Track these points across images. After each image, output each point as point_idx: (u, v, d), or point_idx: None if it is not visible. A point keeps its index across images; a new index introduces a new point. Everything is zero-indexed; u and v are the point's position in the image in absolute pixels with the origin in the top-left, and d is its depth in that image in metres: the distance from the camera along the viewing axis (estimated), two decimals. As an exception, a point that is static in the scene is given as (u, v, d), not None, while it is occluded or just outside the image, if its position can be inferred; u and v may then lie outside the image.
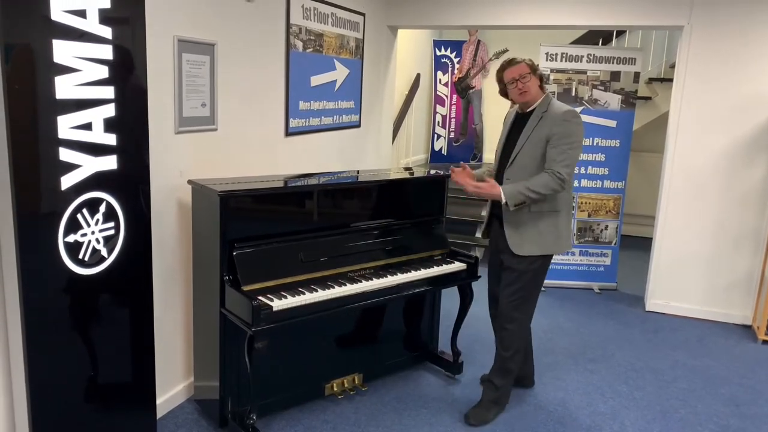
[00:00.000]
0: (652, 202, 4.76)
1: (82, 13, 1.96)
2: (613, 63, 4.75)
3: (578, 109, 4.77)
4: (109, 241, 2.18)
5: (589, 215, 4.94)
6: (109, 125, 2.11)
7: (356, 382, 3.14)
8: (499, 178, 2.86)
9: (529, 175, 2.73)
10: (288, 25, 3.55)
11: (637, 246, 5.95)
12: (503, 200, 2.70)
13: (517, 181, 2.74)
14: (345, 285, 2.73)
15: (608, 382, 3.42)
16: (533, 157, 2.74)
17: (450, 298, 3.51)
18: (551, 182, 2.66)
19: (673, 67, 5.20)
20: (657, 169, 4.74)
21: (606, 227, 4.95)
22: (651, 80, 6.09)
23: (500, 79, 2.87)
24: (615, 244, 4.98)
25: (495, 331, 3.06)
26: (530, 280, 2.84)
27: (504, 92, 2.89)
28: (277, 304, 2.48)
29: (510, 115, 2.99)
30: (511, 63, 2.84)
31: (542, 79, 2.84)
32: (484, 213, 3.08)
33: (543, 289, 4.89)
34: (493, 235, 2.99)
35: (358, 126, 4.68)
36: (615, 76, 4.76)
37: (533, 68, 2.80)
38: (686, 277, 4.44)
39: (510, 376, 2.98)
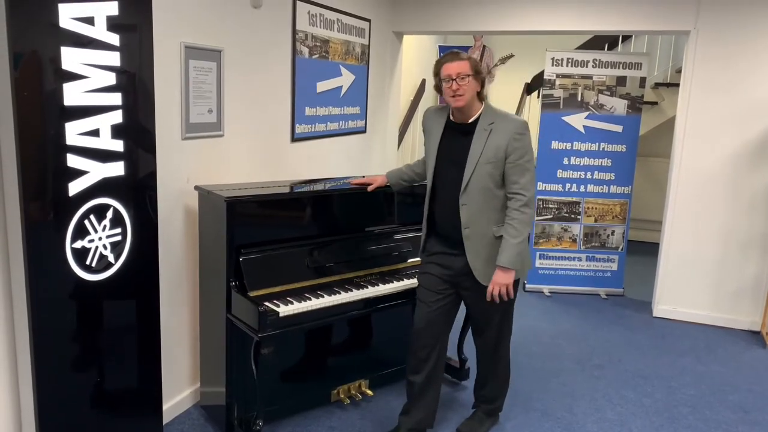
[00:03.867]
0: (659, 207, 4.74)
1: (90, 21, 1.98)
2: (619, 68, 4.74)
3: (584, 114, 4.78)
4: (116, 247, 2.19)
5: (596, 220, 4.93)
6: (117, 131, 2.12)
7: (362, 388, 3.13)
8: (444, 199, 2.55)
9: (492, 198, 2.47)
10: (294, 32, 3.57)
11: (644, 251, 5.92)
12: (512, 268, 2.44)
13: (481, 220, 2.48)
14: (351, 291, 2.73)
15: (615, 389, 3.40)
16: (493, 178, 2.45)
17: (456, 304, 3.50)
18: (523, 216, 2.42)
19: (679, 71, 5.18)
20: (664, 174, 4.73)
21: (613, 232, 4.94)
22: (657, 85, 6.07)
23: (436, 73, 2.51)
24: (622, 249, 4.95)
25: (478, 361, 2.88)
26: (509, 306, 2.68)
27: (438, 88, 2.54)
28: (284, 309, 2.47)
29: (434, 120, 2.64)
30: (453, 57, 2.48)
31: (483, 86, 2.53)
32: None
33: (548, 294, 4.90)
34: (439, 257, 2.64)
35: (364, 131, 4.69)
36: (621, 81, 4.75)
37: (476, 70, 2.46)
38: (694, 282, 4.42)
39: (500, 400, 2.94)
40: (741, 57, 4.12)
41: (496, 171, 2.45)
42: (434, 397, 2.76)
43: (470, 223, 2.50)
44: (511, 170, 2.44)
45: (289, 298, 2.57)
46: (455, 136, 2.55)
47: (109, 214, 2.14)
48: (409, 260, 3.09)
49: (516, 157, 2.43)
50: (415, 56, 7.01)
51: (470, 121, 2.52)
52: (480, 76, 2.50)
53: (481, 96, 2.53)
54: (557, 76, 4.77)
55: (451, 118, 2.58)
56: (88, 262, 2.09)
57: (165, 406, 2.72)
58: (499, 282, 2.47)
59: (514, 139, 2.43)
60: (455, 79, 2.43)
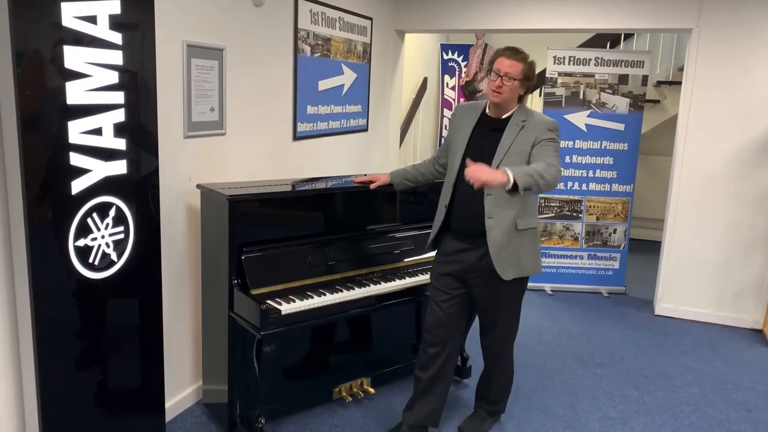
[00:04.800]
0: (661, 205, 4.74)
1: (92, 19, 1.98)
2: (621, 66, 4.73)
3: (586, 113, 4.77)
4: (119, 245, 2.19)
5: (598, 219, 4.92)
6: (119, 130, 2.12)
7: (364, 386, 3.14)
8: (468, 191, 2.41)
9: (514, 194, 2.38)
10: (296, 30, 3.57)
11: (646, 249, 5.91)
12: (510, 181, 2.19)
13: (505, 210, 2.45)
14: (353, 289, 2.73)
15: (618, 387, 3.40)
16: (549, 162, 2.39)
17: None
18: (556, 172, 2.31)
19: (681, 70, 5.17)
20: (666, 172, 4.72)
21: (615, 231, 4.93)
22: (659, 83, 6.06)
23: (492, 60, 2.52)
24: (624, 247, 4.95)
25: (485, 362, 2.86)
26: (517, 304, 2.67)
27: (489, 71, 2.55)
28: (286, 307, 2.48)
29: (467, 114, 2.63)
30: (511, 54, 2.47)
31: (528, 92, 2.54)
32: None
33: (550, 292, 4.90)
34: (451, 255, 2.61)
35: (366, 130, 4.69)
36: (623, 79, 4.74)
37: (527, 76, 2.47)
38: (696, 280, 4.41)
39: (504, 398, 2.92)
40: (743, 55, 4.11)
41: (524, 161, 2.43)
42: (440, 396, 2.75)
43: (494, 213, 2.46)
44: (542, 149, 2.41)
45: (291, 296, 2.57)
46: (486, 132, 2.54)
47: (112, 212, 2.15)
48: (411, 258, 3.09)
49: (546, 142, 2.42)
50: (417, 55, 7.00)
51: (504, 117, 2.53)
52: (528, 82, 2.50)
53: (521, 99, 2.55)
54: (559, 74, 4.77)
55: (487, 111, 2.58)
56: (90, 261, 2.09)
57: (167, 404, 2.73)
58: (485, 170, 2.22)
59: (546, 132, 2.45)
60: (502, 76, 2.44)
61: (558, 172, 2.35)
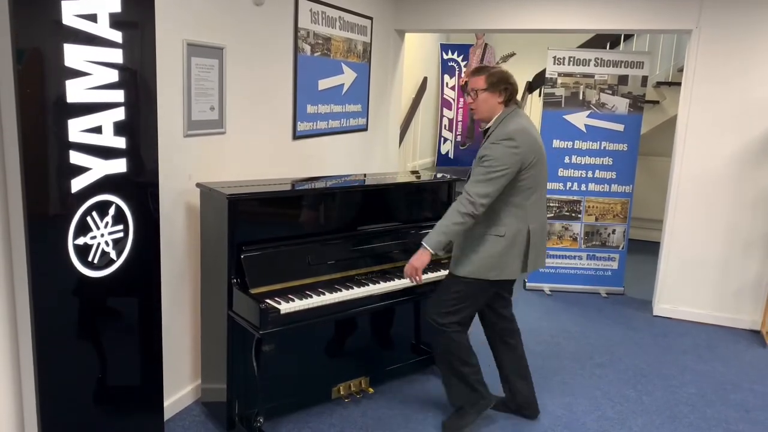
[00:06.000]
0: (660, 206, 4.74)
1: (93, 18, 1.98)
2: (620, 67, 4.74)
3: (585, 113, 4.77)
4: (118, 244, 2.19)
5: (597, 219, 4.93)
6: (119, 128, 2.12)
7: (363, 386, 3.14)
8: None
9: None
10: (296, 29, 3.57)
11: (644, 250, 5.92)
12: (430, 251, 2.60)
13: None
14: (352, 288, 2.74)
15: (616, 387, 3.41)
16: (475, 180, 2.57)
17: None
18: (459, 205, 2.53)
19: (681, 70, 5.17)
20: (665, 173, 4.72)
21: (613, 231, 4.94)
22: (659, 84, 6.07)
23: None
24: (622, 248, 4.96)
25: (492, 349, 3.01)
26: (460, 297, 2.70)
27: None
28: (285, 307, 2.48)
29: None
30: (474, 72, 2.69)
31: (506, 94, 2.63)
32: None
33: (549, 293, 4.91)
34: None
35: (366, 129, 4.69)
36: (623, 79, 4.74)
37: (492, 83, 2.61)
38: (695, 281, 4.42)
39: (464, 389, 2.81)
40: (743, 56, 4.12)
41: None
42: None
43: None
44: (474, 169, 2.58)
45: (290, 296, 2.58)
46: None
47: (112, 210, 2.15)
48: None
49: (482, 159, 2.54)
50: (417, 54, 7.00)
51: (486, 127, 2.69)
52: (498, 86, 2.61)
53: (504, 103, 2.64)
54: (559, 74, 4.77)
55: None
56: (90, 259, 2.10)
57: (166, 403, 2.73)
58: (411, 259, 2.66)
59: (486, 147, 2.57)
60: (469, 93, 2.66)
61: (480, 197, 2.50)
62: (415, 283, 2.75)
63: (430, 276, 2.96)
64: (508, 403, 3.03)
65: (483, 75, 2.65)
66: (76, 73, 1.96)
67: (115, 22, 2.05)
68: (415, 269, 2.65)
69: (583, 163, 4.84)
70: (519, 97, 6.69)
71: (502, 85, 2.62)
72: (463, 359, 2.76)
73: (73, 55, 1.94)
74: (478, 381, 2.81)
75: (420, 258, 2.64)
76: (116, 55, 2.07)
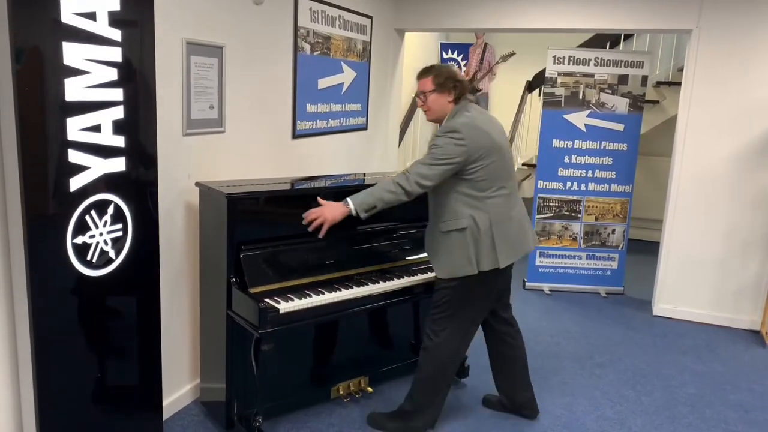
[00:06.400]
0: (660, 206, 4.74)
1: (91, 16, 1.97)
2: (620, 66, 4.73)
3: (585, 113, 4.77)
4: (117, 243, 2.19)
5: (596, 219, 4.92)
6: (118, 127, 2.11)
7: (362, 385, 3.14)
8: None
9: (435, 195, 2.64)
10: (296, 28, 3.56)
11: (644, 250, 5.91)
12: (352, 209, 2.55)
13: (432, 217, 2.68)
14: (351, 288, 2.73)
15: (615, 387, 3.40)
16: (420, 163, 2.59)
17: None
18: (398, 177, 2.53)
19: (681, 70, 5.17)
20: (665, 172, 4.72)
21: (613, 231, 4.93)
22: (659, 84, 6.06)
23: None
24: (622, 248, 4.95)
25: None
26: (445, 302, 2.65)
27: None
28: (284, 306, 2.47)
29: None
30: (421, 73, 2.66)
31: (455, 91, 2.61)
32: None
33: (548, 292, 4.90)
34: None
35: (365, 129, 4.69)
36: (623, 79, 4.74)
37: (439, 82, 2.59)
38: (694, 281, 4.41)
39: (418, 401, 2.75)
40: (743, 56, 4.11)
41: None
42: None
43: (430, 219, 2.73)
44: (424, 157, 2.58)
45: (289, 295, 2.57)
46: None
47: (110, 209, 2.14)
48: (410, 257, 3.09)
49: (428, 149, 2.56)
50: (417, 54, 7.00)
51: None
52: (446, 85, 2.60)
53: (456, 101, 2.63)
54: (559, 74, 4.76)
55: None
56: (88, 258, 2.09)
57: (165, 402, 2.72)
58: (323, 208, 2.61)
59: (434, 138, 2.58)
60: (419, 96, 2.67)
61: (418, 176, 2.51)
62: (310, 230, 2.63)
63: (429, 276, 2.94)
64: (506, 404, 3.02)
65: (429, 76, 2.62)
66: (75, 72, 1.95)
67: (114, 20, 2.04)
68: (324, 218, 2.59)
69: (582, 162, 4.83)
70: (519, 96, 6.70)
71: (450, 83, 2.61)
72: (446, 377, 2.76)
73: (72, 53, 1.93)
74: (438, 406, 2.80)
75: (335, 208, 2.59)
76: (115, 54, 2.07)
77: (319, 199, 2.67)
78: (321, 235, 2.62)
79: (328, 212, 2.60)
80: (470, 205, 2.57)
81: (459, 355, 2.78)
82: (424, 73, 2.67)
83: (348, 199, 2.59)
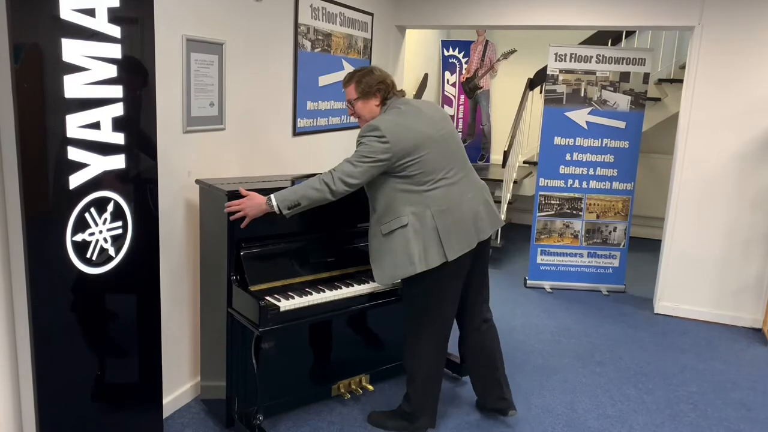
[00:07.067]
0: (662, 203, 4.73)
1: (91, 12, 1.96)
2: (622, 64, 4.72)
3: (587, 110, 4.75)
4: (117, 241, 2.18)
5: (598, 217, 4.91)
6: (118, 124, 2.11)
7: (363, 383, 3.13)
8: None
9: (370, 198, 2.62)
10: (296, 25, 3.55)
11: (646, 248, 5.91)
12: (274, 205, 2.47)
13: (371, 219, 2.63)
14: (352, 285, 2.73)
15: (617, 385, 3.40)
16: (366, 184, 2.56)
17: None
18: (324, 175, 2.48)
19: (683, 68, 5.16)
20: (666, 170, 4.71)
21: (615, 229, 4.92)
22: (661, 81, 6.05)
23: None
24: (623, 245, 4.94)
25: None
26: (409, 302, 2.65)
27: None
28: (284, 304, 2.47)
29: None
30: (344, 82, 2.67)
31: (381, 94, 2.60)
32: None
33: (550, 290, 4.90)
34: None
35: (366, 126, 4.67)
36: (624, 76, 4.72)
37: (363, 90, 2.59)
38: (696, 279, 4.41)
39: (414, 402, 2.74)
40: (746, 53, 4.10)
41: None
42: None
43: (370, 224, 2.68)
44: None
45: (289, 293, 2.57)
46: None
47: (110, 207, 2.13)
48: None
49: (356, 145, 2.54)
50: (418, 51, 6.98)
51: None
52: (370, 91, 2.60)
53: (383, 103, 2.62)
54: (560, 71, 4.75)
55: None
56: (88, 256, 2.08)
57: (165, 400, 2.72)
58: (245, 200, 2.52)
59: (359, 137, 2.54)
60: (348, 105, 2.69)
61: (343, 174, 2.46)
62: (230, 219, 2.54)
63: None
64: (482, 402, 2.98)
65: (351, 84, 2.63)
66: (74, 69, 1.94)
67: (114, 17, 2.03)
68: (246, 213, 2.51)
69: (584, 160, 4.82)
70: (520, 94, 6.67)
71: (374, 87, 2.60)
72: (435, 376, 2.74)
73: (71, 50, 1.92)
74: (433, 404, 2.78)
75: (258, 204, 2.50)
76: (115, 51, 2.06)
77: (241, 190, 2.55)
78: (243, 225, 2.55)
79: (250, 208, 2.51)
80: (410, 201, 2.51)
81: (438, 353, 2.73)
82: (347, 81, 2.66)
83: (271, 195, 2.50)
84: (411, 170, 2.50)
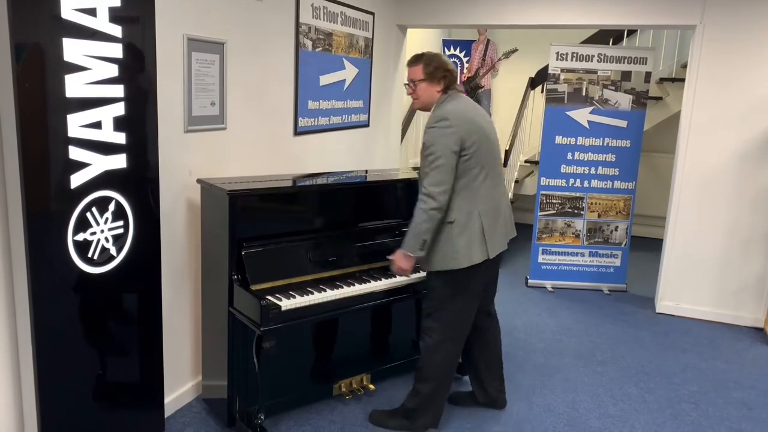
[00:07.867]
0: (663, 203, 4.72)
1: (92, 12, 1.97)
2: (624, 63, 4.71)
3: (588, 109, 4.75)
4: (118, 240, 2.18)
5: (599, 216, 4.91)
6: (119, 124, 2.11)
7: (364, 382, 3.13)
8: None
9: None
10: (297, 24, 3.55)
11: (647, 247, 5.90)
12: (411, 254, 2.54)
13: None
14: (353, 285, 2.72)
15: (618, 385, 3.39)
16: (423, 170, 2.56)
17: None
18: (421, 203, 2.48)
19: (684, 66, 5.15)
20: (668, 169, 4.70)
21: (616, 228, 4.92)
22: (662, 80, 6.04)
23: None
24: (625, 245, 4.94)
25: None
26: (436, 297, 2.65)
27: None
28: (286, 303, 2.47)
29: None
30: (411, 61, 2.67)
31: (445, 81, 2.61)
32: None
33: (551, 289, 4.89)
34: None
35: (367, 125, 4.67)
36: (626, 75, 4.72)
37: (429, 72, 2.59)
38: (697, 278, 4.40)
39: (419, 400, 2.73)
40: (747, 52, 4.09)
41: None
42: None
43: None
44: (422, 162, 2.55)
45: (291, 292, 2.57)
46: None
47: (111, 206, 2.14)
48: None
49: (424, 149, 2.53)
50: (419, 50, 6.96)
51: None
52: (435, 75, 2.59)
53: (445, 90, 2.62)
54: (562, 70, 4.74)
55: None
56: (90, 255, 2.09)
57: (167, 399, 2.72)
58: (396, 260, 2.61)
59: (425, 132, 2.55)
60: (408, 84, 2.66)
61: (432, 186, 2.45)
62: (407, 278, 2.75)
63: (424, 274, 2.92)
64: (477, 397, 3.01)
65: (420, 64, 2.62)
66: (76, 68, 1.95)
67: (115, 16, 2.04)
68: (402, 270, 2.63)
69: (585, 159, 4.82)
70: (521, 93, 6.68)
71: (441, 72, 2.60)
72: (446, 375, 2.74)
73: (73, 49, 1.93)
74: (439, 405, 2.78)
75: (403, 260, 2.59)
76: (116, 50, 2.06)
77: (388, 258, 2.67)
78: (409, 276, 2.76)
79: (403, 264, 2.60)
80: (460, 196, 2.53)
81: (456, 351, 2.76)
82: (415, 61, 2.66)
83: (402, 248, 2.57)
84: (467, 164, 2.52)
